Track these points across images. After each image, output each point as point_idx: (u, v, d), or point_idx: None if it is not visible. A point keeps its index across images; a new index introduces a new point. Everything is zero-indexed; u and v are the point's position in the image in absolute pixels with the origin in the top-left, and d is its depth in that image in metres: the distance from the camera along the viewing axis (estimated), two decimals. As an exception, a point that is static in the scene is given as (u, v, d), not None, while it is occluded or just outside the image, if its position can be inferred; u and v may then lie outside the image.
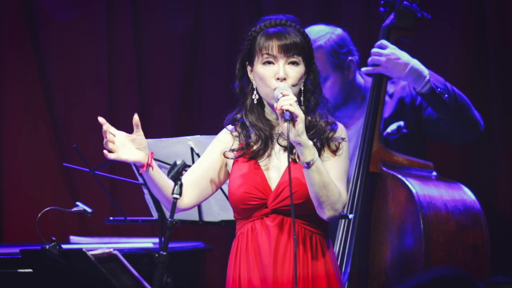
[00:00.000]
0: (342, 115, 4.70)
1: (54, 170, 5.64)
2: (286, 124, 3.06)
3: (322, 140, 3.21)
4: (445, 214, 4.25)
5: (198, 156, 4.06)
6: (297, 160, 3.11)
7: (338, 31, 4.66)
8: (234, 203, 3.25)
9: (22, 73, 5.64)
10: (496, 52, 5.27)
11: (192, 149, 4.07)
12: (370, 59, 4.54)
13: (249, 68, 3.28)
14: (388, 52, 4.49)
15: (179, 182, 2.99)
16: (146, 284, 3.04)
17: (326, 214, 3.14)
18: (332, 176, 3.15)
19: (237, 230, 3.30)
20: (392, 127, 4.59)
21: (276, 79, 3.18)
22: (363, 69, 4.61)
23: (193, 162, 4.06)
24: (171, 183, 3.15)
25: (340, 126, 3.26)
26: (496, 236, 4.44)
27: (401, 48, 4.53)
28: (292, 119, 3.06)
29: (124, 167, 4.76)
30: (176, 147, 4.12)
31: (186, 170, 3.67)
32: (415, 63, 4.47)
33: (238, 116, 3.31)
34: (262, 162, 3.25)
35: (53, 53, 5.64)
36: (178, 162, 3.02)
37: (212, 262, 5.34)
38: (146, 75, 5.75)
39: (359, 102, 4.70)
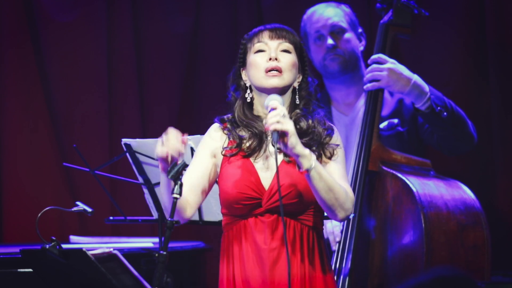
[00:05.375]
0: (344, 92, 4.70)
1: (54, 170, 5.64)
2: (276, 144, 3.04)
3: (319, 146, 3.21)
4: (446, 213, 4.25)
5: (198, 156, 4.06)
6: (298, 170, 3.09)
7: None
8: (227, 202, 3.25)
9: (22, 73, 5.64)
10: (496, 52, 5.26)
11: (192, 149, 4.06)
12: (369, 75, 4.45)
13: (243, 72, 3.29)
14: (389, 66, 4.41)
15: (179, 182, 2.99)
16: (146, 284, 3.04)
17: (338, 216, 3.16)
18: (335, 177, 3.16)
19: (225, 226, 3.29)
20: (384, 123, 4.57)
21: (268, 59, 3.19)
22: (364, 86, 4.52)
23: (193, 162, 4.06)
24: None
25: (336, 132, 3.27)
26: (496, 236, 4.44)
27: (400, 46, 4.51)
28: (283, 135, 3.05)
29: (124, 167, 4.76)
30: (176, 147, 4.11)
31: (185, 170, 3.66)
32: (417, 78, 4.41)
33: (225, 117, 3.31)
34: (254, 161, 3.24)
35: (53, 53, 5.64)
36: (178, 162, 3.02)
37: (212, 262, 5.33)
38: (146, 75, 5.75)
39: (362, 90, 4.61)
